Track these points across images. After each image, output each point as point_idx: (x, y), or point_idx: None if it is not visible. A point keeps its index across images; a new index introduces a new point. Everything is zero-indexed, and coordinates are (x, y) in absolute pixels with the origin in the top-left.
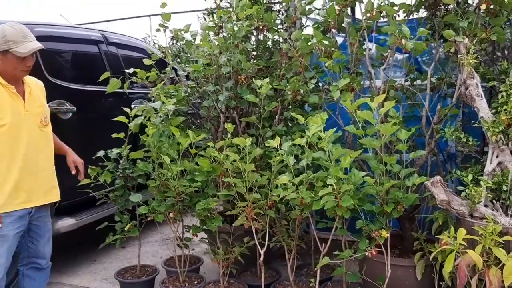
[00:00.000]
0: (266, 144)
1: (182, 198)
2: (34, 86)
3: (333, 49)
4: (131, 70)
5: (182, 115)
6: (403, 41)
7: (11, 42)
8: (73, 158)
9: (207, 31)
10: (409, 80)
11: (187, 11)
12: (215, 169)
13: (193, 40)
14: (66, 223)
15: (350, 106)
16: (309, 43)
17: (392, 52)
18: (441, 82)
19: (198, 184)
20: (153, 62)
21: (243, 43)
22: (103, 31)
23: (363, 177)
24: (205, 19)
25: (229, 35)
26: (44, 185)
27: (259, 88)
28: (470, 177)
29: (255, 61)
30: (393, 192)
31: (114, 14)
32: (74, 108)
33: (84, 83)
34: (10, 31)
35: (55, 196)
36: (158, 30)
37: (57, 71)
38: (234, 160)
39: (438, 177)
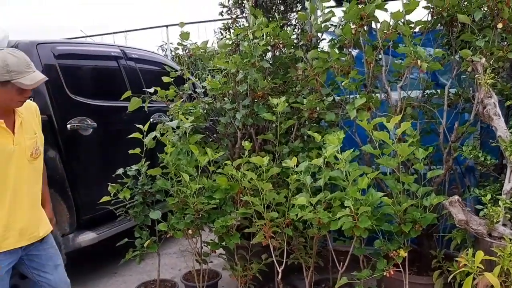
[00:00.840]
0: (283, 164)
1: (200, 215)
2: (27, 112)
3: (349, 67)
4: (152, 90)
5: (199, 131)
6: (419, 62)
7: (14, 73)
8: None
9: (223, 49)
10: (426, 95)
11: (200, 22)
12: (233, 187)
13: (210, 56)
14: (87, 237)
15: (367, 125)
16: (326, 62)
17: (408, 70)
18: (458, 98)
19: (216, 201)
20: (172, 79)
21: (260, 61)
22: (122, 46)
23: (380, 197)
24: (221, 34)
25: (246, 54)
26: (35, 221)
27: (275, 106)
28: (489, 196)
29: (270, 77)
30: (411, 211)
31: (114, 14)
32: (95, 124)
33: (104, 99)
34: (12, 60)
35: (46, 228)
36: (177, 48)
37: (78, 88)
38: (252, 179)
39: (456, 197)
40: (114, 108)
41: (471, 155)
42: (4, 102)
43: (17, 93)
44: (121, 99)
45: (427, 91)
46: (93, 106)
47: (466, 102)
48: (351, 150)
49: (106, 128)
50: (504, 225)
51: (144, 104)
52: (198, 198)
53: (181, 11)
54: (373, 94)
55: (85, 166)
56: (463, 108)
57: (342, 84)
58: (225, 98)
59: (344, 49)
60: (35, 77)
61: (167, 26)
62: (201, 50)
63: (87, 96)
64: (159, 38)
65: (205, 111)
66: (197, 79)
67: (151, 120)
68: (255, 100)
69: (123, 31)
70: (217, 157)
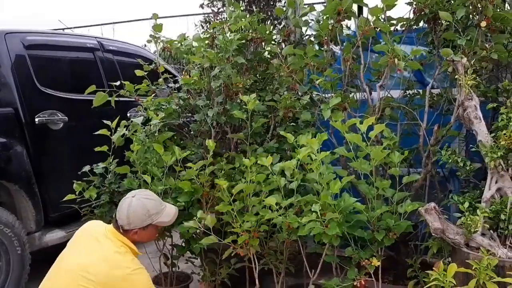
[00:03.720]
0: (259, 162)
1: None
2: None
3: (326, 65)
4: (118, 83)
5: (173, 128)
6: (396, 60)
7: (154, 215)
8: None
9: (201, 42)
10: (408, 96)
11: (182, 15)
12: (197, 190)
13: (187, 50)
14: (56, 235)
15: (341, 126)
16: (302, 58)
17: (388, 70)
18: (441, 99)
19: (181, 204)
20: (145, 73)
21: (235, 56)
22: (99, 38)
23: (353, 203)
24: (202, 27)
25: (222, 48)
26: None
27: (245, 104)
28: (467, 204)
29: (248, 73)
30: (385, 218)
31: (109, 6)
32: (66, 118)
33: (77, 92)
34: (151, 205)
35: None
36: (149, 41)
37: (49, 80)
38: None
39: (432, 204)
40: (88, 101)
41: (450, 160)
42: (142, 241)
43: (156, 231)
44: (86, 93)
45: (409, 91)
46: (65, 99)
47: (449, 104)
48: (327, 152)
49: (79, 123)
50: (483, 234)
51: (111, 99)
52: (164, 199)
53: (180, 4)
54: (350, 94)
55: (55, 162)
56: (446, 110)
57: (317, 82)
58: (202, 94)
59: (325, 45)
60: (170, 212)
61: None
62: (175, 43)
63: (58, 89)
64: (148, 31)
65: (178, 107)
66: (186, 73)
67: (128, 115)
68: (230, 97)
69: (110, 23)
70: (185, 156)
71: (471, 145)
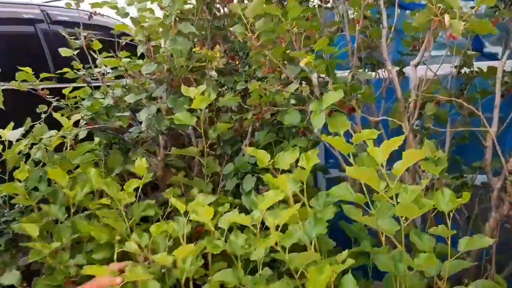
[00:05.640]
0: (192, 218)
1: (77, 280)
2: None
3: (322, 32)
4: None
5: (110, 133)
6: (446, 18)
7: None
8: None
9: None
10: (465, 77)
11: None
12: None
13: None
14: None
15: (343, 145)
16: (279, 23)
17: (429, 36)
18: None
19: (95, 261)
20: (75, 53)
21: (178, 23)
22: (44, 5)
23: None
24: None
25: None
26: None
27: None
28: None
29: (222, 48)
30: None
31: None
32: None
33: (5, 78)
34: None
35: None
36: (68, 4)
37: None
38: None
39: None
40: (22, 93)
41: None
42: None
43: None
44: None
45: (465, 68)
46: None
47: None
48: (294, 208)
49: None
50: None
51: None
52: (72, 256)
53: None
54: (361, 81)
55: None
56: None
57: (302, 63)
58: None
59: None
60: None
61: None
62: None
63: None
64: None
65: (114, 101)
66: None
67: None
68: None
69: None
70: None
71: None
